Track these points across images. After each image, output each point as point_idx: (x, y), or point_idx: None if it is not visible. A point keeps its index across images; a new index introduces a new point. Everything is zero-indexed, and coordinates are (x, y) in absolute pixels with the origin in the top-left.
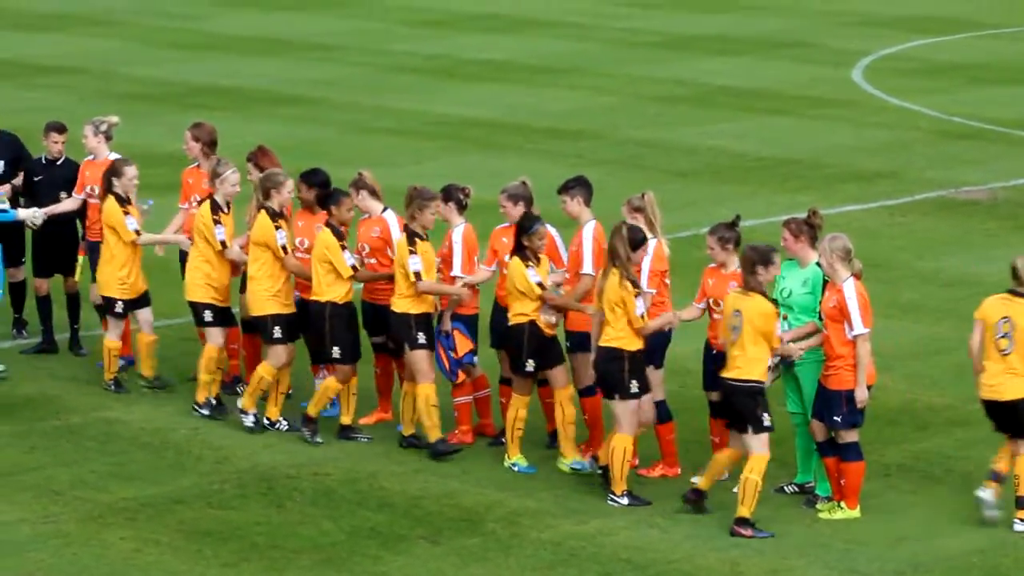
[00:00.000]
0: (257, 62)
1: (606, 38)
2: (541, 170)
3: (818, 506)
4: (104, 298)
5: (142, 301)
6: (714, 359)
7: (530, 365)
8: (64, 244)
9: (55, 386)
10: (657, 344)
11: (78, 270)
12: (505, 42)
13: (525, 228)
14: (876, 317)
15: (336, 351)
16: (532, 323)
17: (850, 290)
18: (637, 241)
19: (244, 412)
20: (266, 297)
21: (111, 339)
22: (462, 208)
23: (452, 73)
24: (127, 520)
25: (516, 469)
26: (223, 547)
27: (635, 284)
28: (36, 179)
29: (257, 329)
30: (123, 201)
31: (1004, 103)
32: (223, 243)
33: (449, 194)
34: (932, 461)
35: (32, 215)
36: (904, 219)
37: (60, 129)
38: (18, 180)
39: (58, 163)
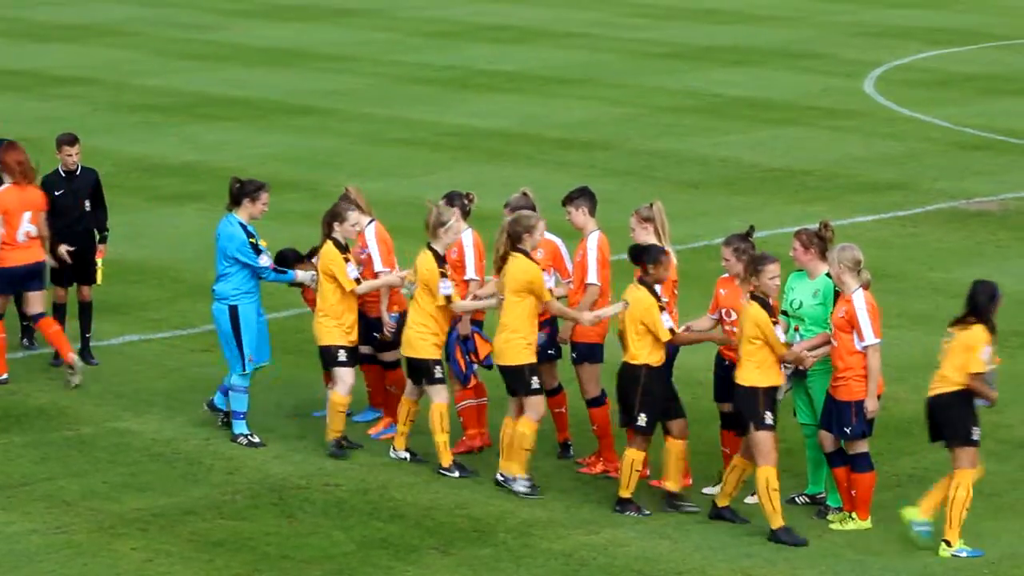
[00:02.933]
0: (269, 73)
1: (618, 49)
2: (553, 180)
3: (829, 517)
4: (324, 348)
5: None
6: (726, 370)
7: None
8: (84, 253)
9: (66, 396)
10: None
11: (99, 275)
12: (517, 53)
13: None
14: (886, 328)
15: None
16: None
17: (860, 300)
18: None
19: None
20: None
21: (340, 394)
22: (466, 214)
23: (464, 84)
24: (138, 531)
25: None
26: (234, 558)
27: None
28: (57, 193)
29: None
30: (342, 247)
31: (1016, 114)
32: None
33: (452, 200)
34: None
35: (311, 277)
36: (915, 230)
37: (72, 142)
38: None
39: (76, 174)
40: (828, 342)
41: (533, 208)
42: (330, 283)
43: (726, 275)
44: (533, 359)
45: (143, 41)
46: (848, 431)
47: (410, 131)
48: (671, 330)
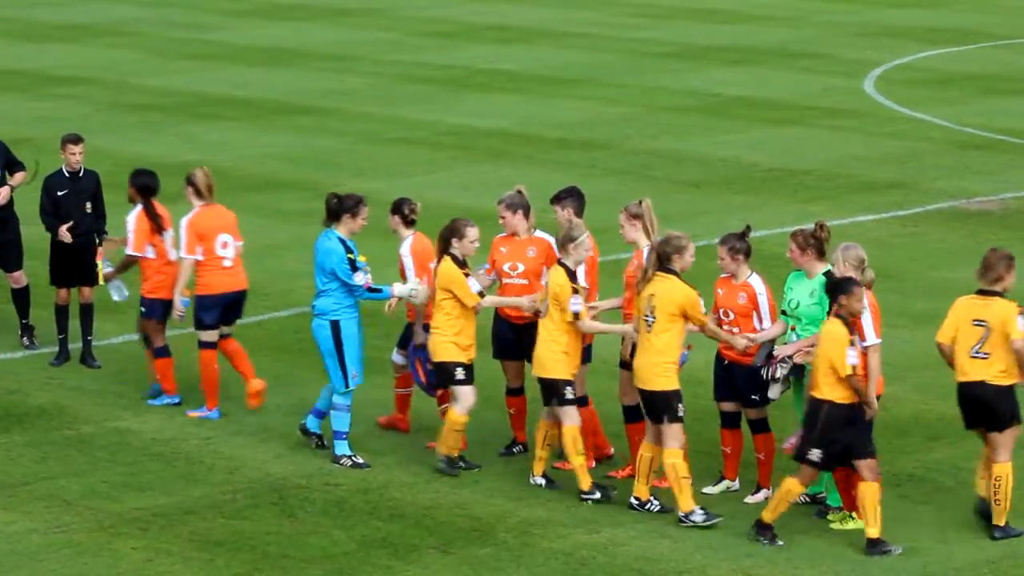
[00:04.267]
0: (269, 72)
1: (618, 48)
2: (552, 180)
3: (829, 516)
4: (439, 365)
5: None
6: (725, 369)
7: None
8: (84, 254)
9: (67, 396)
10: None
11: (100, 276)
12: (517, 52)
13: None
14: (887, 327)
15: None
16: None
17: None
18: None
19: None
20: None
21: (459, 412)
22: (409, 223)
23: (464, 83)
24: (139, 530)
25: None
26: (235, 557)
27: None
28: (61, 193)
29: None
30: (461, 263)
31: (1016, 114)
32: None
33: (398, 208)
34: (943, 471)
35: (410, 291)
36: (915, 229)
37: (76, 140)
38: (14, 181)
39: (80, 175)
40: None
41: (527, 206)
42: (448, 299)
43: (724, 275)
44: (678, 385)
45: (143, 41)
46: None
47: (410, 131)
48: (852, 366)
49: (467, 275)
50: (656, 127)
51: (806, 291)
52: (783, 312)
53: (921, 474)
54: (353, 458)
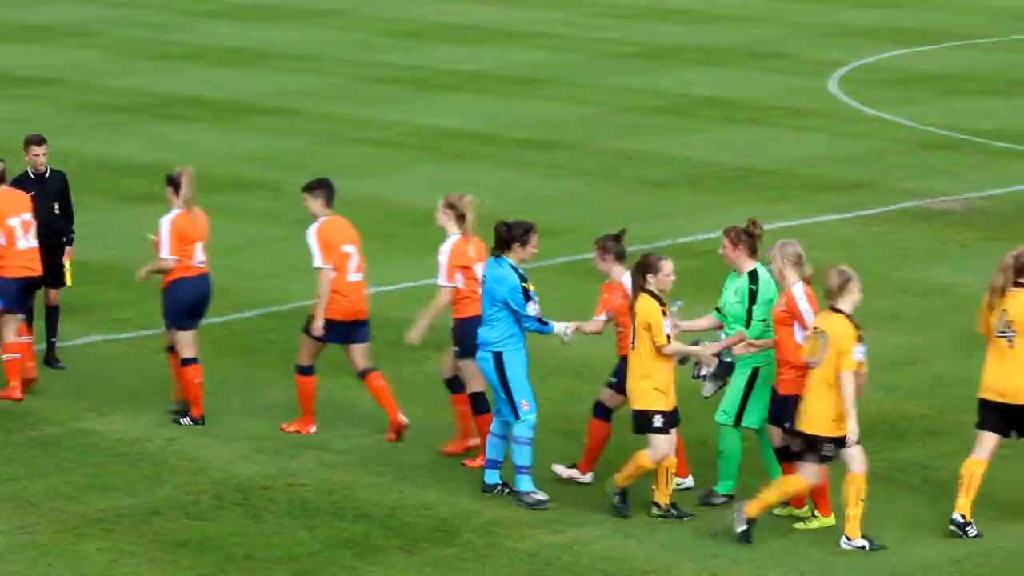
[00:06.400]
0: (234, 73)
1: (583, 49)
2: (517, 181)
3: (796, 520)
4: (637, 412)
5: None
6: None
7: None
8: (53, 256)
9: (31, 397)
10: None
11: (68, 276)
12: (482, 53)
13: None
14: None
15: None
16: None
17: (800, 292)
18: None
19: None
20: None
21: (649, 458)
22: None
23: (428, 84)
24: (103, 531)
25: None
26: (199, 558)
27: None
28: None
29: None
30: (660, 300)
31: (980, 114)
32: (668, 337)
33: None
34: (909, 471)
35: (564, 330)
36: (880, 229)
37: (39, 142)
38: None
39: (46, 176)
40: (742, 340)
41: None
42: (648, 340)
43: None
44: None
45: (107, 42)
46: (789, 425)
47: (374, 131)
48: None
49: (664, 313)
50: (621, 127)
51: (733, 289)
52: (717, 310)
53: (887, 473)
54: (534, 495)
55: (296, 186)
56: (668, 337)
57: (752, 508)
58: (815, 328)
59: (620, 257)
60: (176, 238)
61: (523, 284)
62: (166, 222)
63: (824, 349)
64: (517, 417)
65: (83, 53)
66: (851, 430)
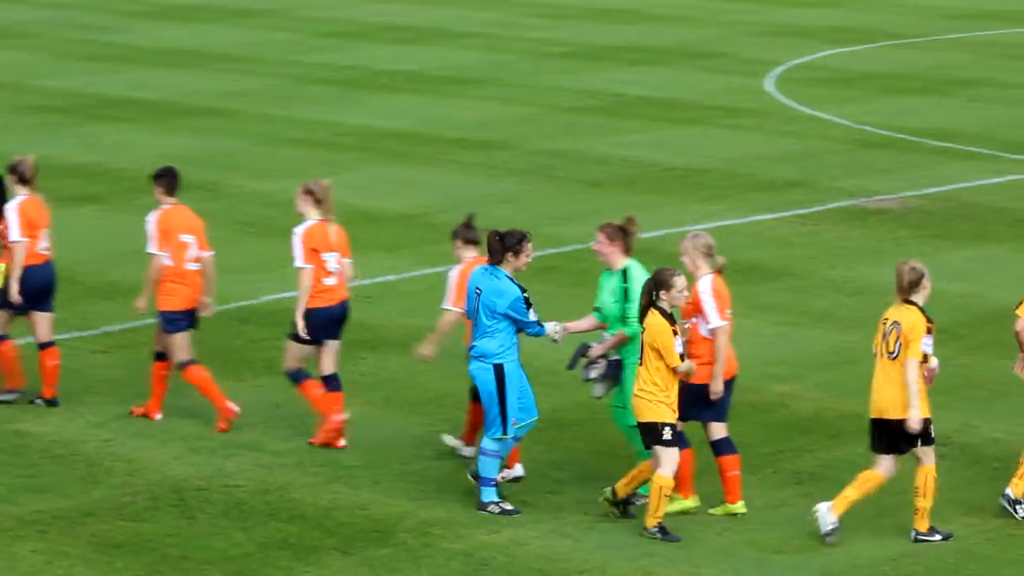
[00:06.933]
0: (168, 74)
1: (518, 49)
2: (453, 181)
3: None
4: (645, 425)
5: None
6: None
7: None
8: None
9: None
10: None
11: (2, 279)
12: (416, 53)
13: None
14: (787, 326)
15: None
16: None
17: (704, 285)
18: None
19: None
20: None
21: (664, 475)
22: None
23: (363, 84)
24: (38, 533)
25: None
26: (135, 559)
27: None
28: None
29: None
30: (671, 318)
31: (916, 113)
32: (682, 356)
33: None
34: (844, 469)
35: (554, 330)
36: (816, 228)
37: None
38: None
39: None
40: (624, 340)
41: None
42: (657, 357)
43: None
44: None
45: (41, 43)
46: (703, 416)
47: (310, 131)
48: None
49: (675, 333)
50: (556, 127)
51: (609, 289)
52: (596, 310)
53: (822, 472)
54: (501, 504)
55: (233, 187)
56: (681, 356)
57: (838, 507)
58: (886, 319)
59: (470, 242)
60: (25, 223)
61: (524, 294)
62: (14, 206)
63: (897, 341)
64: (504, 432)
65: (16, 54)
66: (913, 417)
